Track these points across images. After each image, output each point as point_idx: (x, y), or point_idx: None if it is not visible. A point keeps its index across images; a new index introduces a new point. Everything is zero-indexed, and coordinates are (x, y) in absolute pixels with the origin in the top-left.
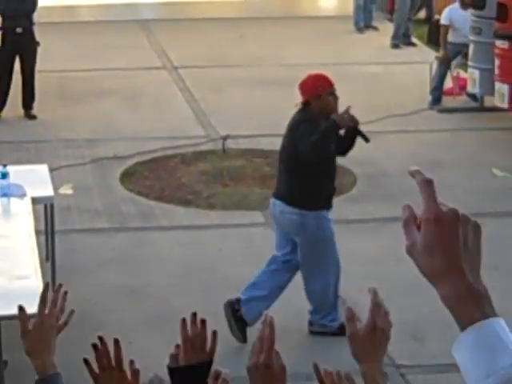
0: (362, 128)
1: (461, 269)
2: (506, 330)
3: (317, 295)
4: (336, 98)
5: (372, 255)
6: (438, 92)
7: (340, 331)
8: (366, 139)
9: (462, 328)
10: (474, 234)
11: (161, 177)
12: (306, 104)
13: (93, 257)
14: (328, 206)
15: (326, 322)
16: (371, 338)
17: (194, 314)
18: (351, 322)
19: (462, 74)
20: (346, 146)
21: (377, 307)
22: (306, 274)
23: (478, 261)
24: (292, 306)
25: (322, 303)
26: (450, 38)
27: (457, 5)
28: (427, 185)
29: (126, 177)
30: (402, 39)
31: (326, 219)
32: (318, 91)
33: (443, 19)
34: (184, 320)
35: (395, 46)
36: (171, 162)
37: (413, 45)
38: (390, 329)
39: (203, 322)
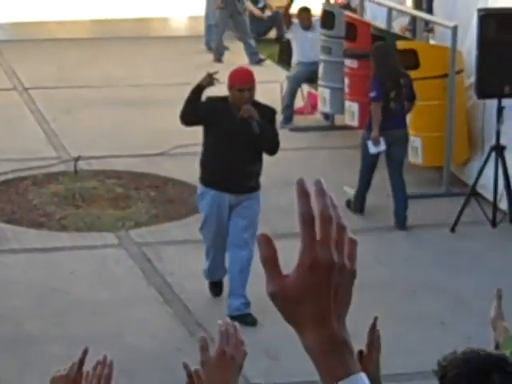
0: None
1: (329, 320)
2: None
3: None
4: (243, 97)
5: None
6: (289, 111)
7: None
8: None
9: None
10: (348, 282)
11: (12, 199)
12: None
13: None
14: (210, 184)
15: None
16: (221, 366)
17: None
18: (203, 351)
19: (313, 92)
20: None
21: (224, 336)
22: None
23: (346, 308)
24: None
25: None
26: (300, 57)
27: (297, 23)
28: (308, 222)
29: None
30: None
31: (202, 196)
32: (229, 83)
33: (287, 34)
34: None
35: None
36: (22, 183)
37: (260, 62)
38: (242, 358)
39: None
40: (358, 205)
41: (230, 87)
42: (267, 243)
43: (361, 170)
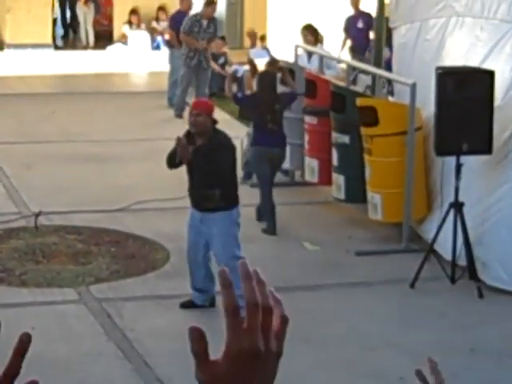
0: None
1: None
2: None
3: None
4: (189, 120)
5: (185, 330)
6: (249, 167)
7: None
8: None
9: None
10: (273, 364)
11: None
12: None
13: None
14: (192, 204)
15: None
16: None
17: None
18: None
19: None
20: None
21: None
22: None
23: None
24: None
25: None
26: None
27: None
28: (233, 313)
29: None
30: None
31: (190, 213)
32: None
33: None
34: None
35: (178, 116)
36: None
37: None
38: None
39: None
40: (272, 227)
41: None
42: (199, 338)
43: (262, 187)
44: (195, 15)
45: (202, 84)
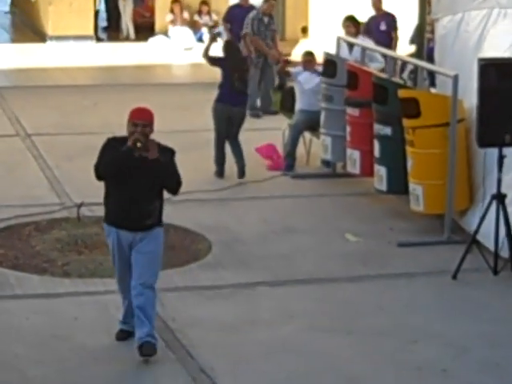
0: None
1: None
2: None
3: None
4: (133, 131)
5: (227, 321)
6: (291, 158)
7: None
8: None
9: None
10: None
11: (15, 245)
12: None
13: None
14: (112, 222)
15: None
16: None
17: None
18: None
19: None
20: None
21: None
22: None
23: None
24: None
25: None
26: (302, 105)
27: (300, 70)
28: None
29: None
30: (261, 108)
31: (108, 232)
32: (128, 117)
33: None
34: None
35: (255, 115)
36: (25, 230)
37: (273, 113)
38: None
39: None
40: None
41: (127, 121)
42: None
43: (216, 139)
44: (257, 14)
45: (269, 82)
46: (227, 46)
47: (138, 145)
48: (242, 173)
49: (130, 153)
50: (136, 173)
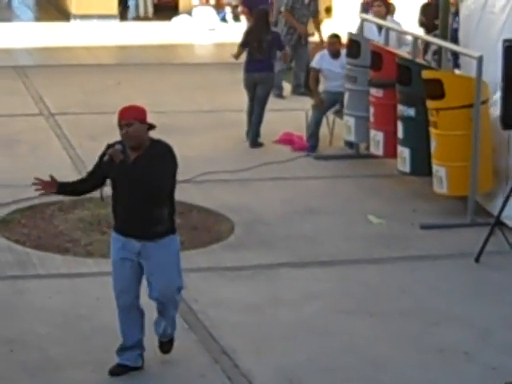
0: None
1: None
2: None
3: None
4: (122, 134)
5: (250, 302)
6: (314, 139)
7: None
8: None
9: None
10: None
11: (38, 224)
12: None
13: None
14: (119, 230)
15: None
16: None
17: None
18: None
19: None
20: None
21: None
22: None
23: None
24: None
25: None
26: (325, 86)
27: (326, 52)
28: None
29: (3, 224)
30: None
31: (113, 241)
32: None
33: (313, 63)
34: None
35: (278, 95)
36: (48, 209)
37: (302, 94)
38: None
39: None
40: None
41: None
42: None
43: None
44: None
45: (301, 61)
46: (255, 15)
47: (105, 158)
48: (251, 142)
49: (111, 163)
50: (128, 180)
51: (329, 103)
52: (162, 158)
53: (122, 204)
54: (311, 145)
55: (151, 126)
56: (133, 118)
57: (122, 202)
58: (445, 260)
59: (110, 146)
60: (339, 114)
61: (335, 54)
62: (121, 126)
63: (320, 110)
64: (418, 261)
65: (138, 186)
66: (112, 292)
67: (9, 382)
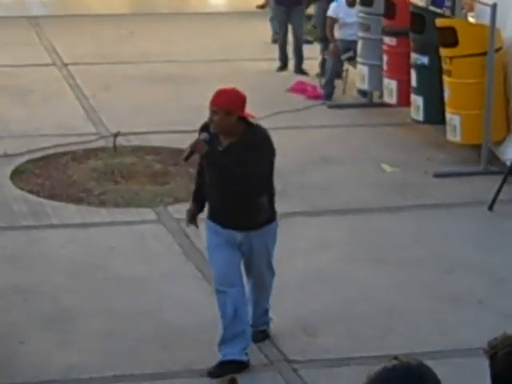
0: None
1: None
2: None
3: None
4: (209, 119)
5: None
6: (330, 86)
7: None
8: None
9: None
10: None
11: (52, 174)
12: None
13: None
14: (213, 217)
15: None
16: None
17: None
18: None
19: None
20: None
21: None
22: None
23: None
24: None
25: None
26: (339, 34)
27: (343, 0)
28: None
29: (17, 175)
30: None
31: (209, 230)
32: None
33: (330, 12)
34: None
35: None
36: (62, 159)
37: (308, 42)
38: None
39: None
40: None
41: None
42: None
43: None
44: None
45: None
46: None
47: (184, 157)
48: (296, 68)
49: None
50: (218, 168)
51: (343, 51)
52: (255, 147)
53: (214, 192)
54: (327, 92)
55: (243, 118)
56: (220, 106)
57: (214, 190)
58: (458, 208)
59: (202, 129)
60: (353, 62)
61: (351, 3)
62: (210, 110)
63: (336, 57)
64: (431, 209)
65: (227, 174)
66: (125, 241)
67: (22, 332)
